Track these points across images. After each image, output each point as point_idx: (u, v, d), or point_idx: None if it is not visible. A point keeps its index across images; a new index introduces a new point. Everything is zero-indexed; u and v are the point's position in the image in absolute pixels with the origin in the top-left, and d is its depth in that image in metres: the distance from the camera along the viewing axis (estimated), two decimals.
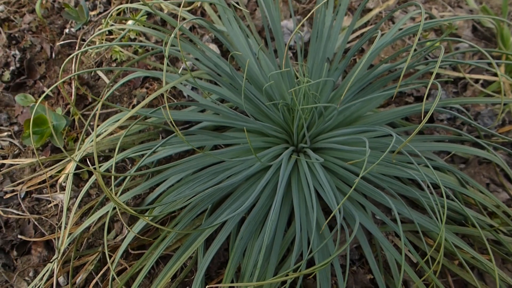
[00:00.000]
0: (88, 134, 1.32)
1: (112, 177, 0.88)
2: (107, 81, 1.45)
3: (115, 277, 0.93)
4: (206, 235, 1.05)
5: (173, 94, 1.43)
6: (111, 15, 1.13)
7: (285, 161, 1.08)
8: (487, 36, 1.58)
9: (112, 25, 1.39)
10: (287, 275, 0.77)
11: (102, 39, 1.44)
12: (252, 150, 0.78)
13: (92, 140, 1.10)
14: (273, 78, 1.20)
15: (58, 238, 1.12)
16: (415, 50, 1.51)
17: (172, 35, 0.76)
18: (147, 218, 0.91)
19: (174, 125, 0.77)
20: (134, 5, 1.15)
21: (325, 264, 0.72)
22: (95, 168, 0.95)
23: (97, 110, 0.90)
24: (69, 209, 1.22)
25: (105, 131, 1.13)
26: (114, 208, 1.10)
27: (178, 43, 1.17)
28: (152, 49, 1.47)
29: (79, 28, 1.52)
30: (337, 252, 0.74)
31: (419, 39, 1.52)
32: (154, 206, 0.91)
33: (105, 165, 1.07)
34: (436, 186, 1.29)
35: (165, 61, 0.72)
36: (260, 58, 1.31)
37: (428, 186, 1.26)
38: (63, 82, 1.39)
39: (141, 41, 1.52)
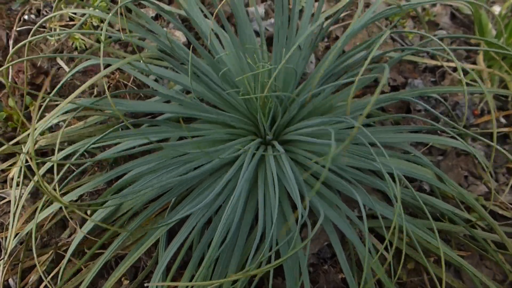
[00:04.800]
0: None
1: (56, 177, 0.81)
2: (68, 70, 1.37)
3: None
4: (158, 236, 0.99)
5: (138, 84, 1.36)
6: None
7: (250, 154, 1.01)
8: (465, 23, 1.52)
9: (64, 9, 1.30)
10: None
11: (61, 25, 1.36)
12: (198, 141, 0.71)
13: (43, 133, 1.02)
14: (236, 64, 1.14)
15: (5, 238, 1.05)
16: (391, 37, 1.45)
17: (110, 15, 0.69)
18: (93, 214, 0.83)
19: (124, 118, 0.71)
20: None
21: (278, 263, 0.65)
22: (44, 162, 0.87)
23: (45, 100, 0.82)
24: (23, 207, 1.15)
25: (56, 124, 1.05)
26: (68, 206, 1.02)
27: (132, 28, 1.10)
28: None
29: (19, 6, 1.42)
30: (301, 245, 0.68)
31: (395, 27, 1.45)
32: (104, 200, 0.84)
33: (52, 159, 0.99)
34: (413, 179, 1.24)
35: (102, 45, 0.64)
36: (226, 46, 1.24)
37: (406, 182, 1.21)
38: (19, 71, 1.30)
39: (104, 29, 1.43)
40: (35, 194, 1.19)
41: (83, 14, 1.38)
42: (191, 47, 0.86)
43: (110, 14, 0.86)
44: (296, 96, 0.90)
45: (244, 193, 1.01)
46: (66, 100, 0.75)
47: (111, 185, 1.14)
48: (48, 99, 1.10)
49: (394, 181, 1.17)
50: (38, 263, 1.07)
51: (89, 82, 0.76)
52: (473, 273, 0.97)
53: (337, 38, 1.45)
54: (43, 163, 1.04)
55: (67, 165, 1.05)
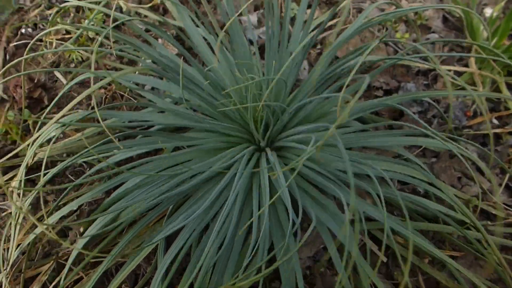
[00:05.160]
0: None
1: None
2: (65, 82, 1.40)
3: None
4: (156, 243, 1.01)
5: (134, 94, 1.38)
6: (58, 12, 1.07)
7: (244, 162, 1.03)
8: (457, 27, 1.54)
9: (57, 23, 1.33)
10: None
11: (58, 39, 1.38)
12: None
13: (41, 145, 1.04)
14: (228, 72, 1.16)
15: (8, 249, 1.07)
16: (384, 42, 1.46)
17: (107, 31, 0.71)
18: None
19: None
20: (82, 3, 1.10)
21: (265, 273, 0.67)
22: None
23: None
24: (24, 218, 1.17)
25: (55, 135, 1.07)
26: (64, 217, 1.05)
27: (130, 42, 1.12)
28: (110, 47, 1.41)
29: (7, 16, 1.45)
30: (291, 254, 0.70)
31: (386, 30, 1.47)
32: (94, 217, 0.86)
33: (51, 172, 1.02)
34: (405, 182, 1.25)
35: (93, 58, 0.66)
36: (220, 56, 1.26)
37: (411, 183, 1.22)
38: (17, 85, 1.32)
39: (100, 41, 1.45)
40: (36, 205, 1.22)
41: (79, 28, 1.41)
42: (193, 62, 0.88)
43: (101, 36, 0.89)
44: (286, 106, 0.91)
45: (239, 200, 1.03)
46: (57, 116, 0.77)
47: (109, 195, 1.16)
48: (46, 112, 1.13)
49: (388, 184, 1.20)
50: (40, 273, 1.09)
51: (84, 93, 0.78)
52: (457, 269, 0.99)
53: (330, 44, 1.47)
54: (44, 174, 1.06)
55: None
